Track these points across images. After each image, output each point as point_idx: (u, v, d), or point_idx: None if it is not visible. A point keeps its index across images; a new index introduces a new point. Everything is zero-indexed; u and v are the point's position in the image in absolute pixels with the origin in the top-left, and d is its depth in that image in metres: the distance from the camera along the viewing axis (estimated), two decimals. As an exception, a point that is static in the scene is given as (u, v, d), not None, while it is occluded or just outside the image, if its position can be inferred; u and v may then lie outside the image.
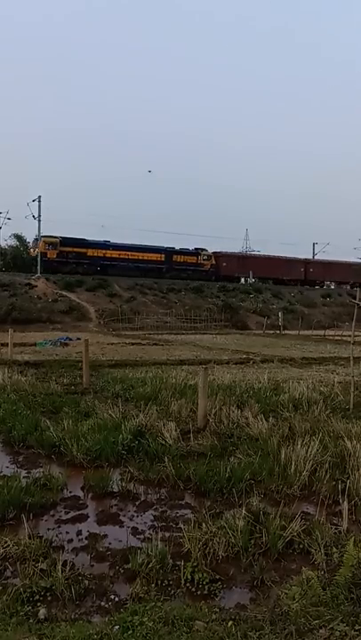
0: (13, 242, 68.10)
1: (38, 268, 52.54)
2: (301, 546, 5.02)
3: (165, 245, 62.29)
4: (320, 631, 3.64)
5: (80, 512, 5.98)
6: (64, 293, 49.43)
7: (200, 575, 4.49)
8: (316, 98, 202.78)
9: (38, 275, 51.79)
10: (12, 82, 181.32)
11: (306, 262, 71.77)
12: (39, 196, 56.43)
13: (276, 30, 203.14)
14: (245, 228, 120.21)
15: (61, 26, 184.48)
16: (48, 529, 5.49)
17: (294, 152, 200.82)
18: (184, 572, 4.52)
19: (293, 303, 59.78)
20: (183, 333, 40.52)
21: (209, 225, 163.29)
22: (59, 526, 5.61)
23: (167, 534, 5.30)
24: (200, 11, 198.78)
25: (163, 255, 61.01)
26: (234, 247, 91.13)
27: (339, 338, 34.25)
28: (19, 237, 67.50)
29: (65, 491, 6.54)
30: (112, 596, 4.28)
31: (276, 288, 63.50)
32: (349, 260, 75.29)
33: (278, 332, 42.84)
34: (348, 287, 69.57)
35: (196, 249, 64.30)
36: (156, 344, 28.75)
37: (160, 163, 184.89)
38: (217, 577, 4.54)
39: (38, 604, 4.12)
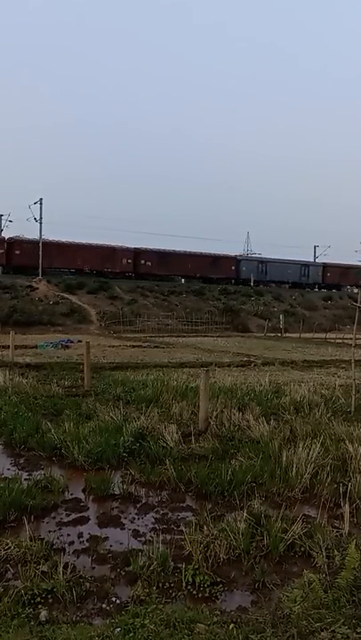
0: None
1: (40, 270, 52.59)
2: (303, 548, 5.02)
3: None
4: (322, 634, 3.63)
5: (81, 514, 5.98)
6: (65, 296, 49.48)
7: (201, 578, 4.49)
8: (319, 104, 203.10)
9: (39, 277, 51.83)
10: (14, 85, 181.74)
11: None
12: (40, 199, 56.51)
13: (281, 36, 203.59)
14: (247, 231, 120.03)
15: (60, 28, 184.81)
16: (49, 531, 5.49)
17: (296, 157, 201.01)
18: (185, 575, 4.51)
19: (294, 306, 59.76)
20: (184, 336, 40.49)
21: (211, 228, 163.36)
22: (60, 528, 5.61)
23: (168, 537, 5.29)
24: (203, 14, 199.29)
25: None
26: (235, 250, 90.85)
27: (340, 340, 34.22)
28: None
29: (66, 493, 6.54)
30: (113, 599, 4.28)
31: (276, 291, 63.49)
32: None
33: (279, 334, 42.78)
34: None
35: None
36: (157, 346, 28.74)
37: (162, 165, 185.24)
38: (218, 580, 4.54)
39: (39, 606, 4.12)
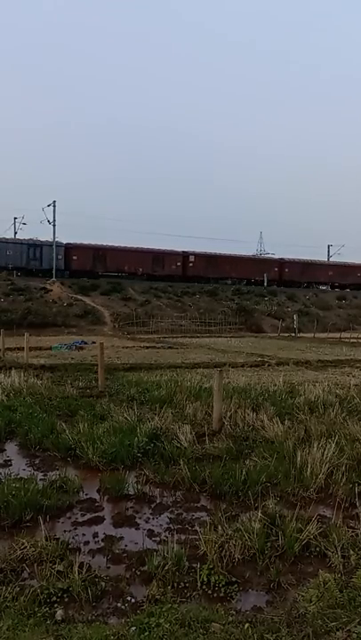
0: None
1: (53, 272, 52.90)
2: (318, 549, 5.00)
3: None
4: (337, 633, 3.62)
5: (96, 514, 6.01)
6: (79, 297, 49.76)
7: (216, 577, 4.49)
8: (329, 103, 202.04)
9: (53, 279, 52.15)
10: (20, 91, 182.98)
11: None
12: (54, 201, 56.75)
13: (286, 36, 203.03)
14: (260, 231, 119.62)
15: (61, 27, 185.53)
16: (64, 531, 5.52)
17: (308, 156, 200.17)
18: (200, 575, 4.52)
19: (308, 306, 59.49)
20: (198, 336, 40.51)
21: (223, 228, 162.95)
22: (75, 528, 5.64)
23: (183, 537, 5.30)
24: (204, 18, 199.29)
25: None
26: (248, 250, 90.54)
27: (355, 340, 34.01)
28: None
29: (81, 493, 6.57)
30: (128, 598, 4.29)
31: (290, 291, 63.27)
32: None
33: (293, 334, 42.63)
34: None
35: None
36: (170, 347, 28.78)
37: (172, 166, 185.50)
38: (233, 579, 4.53)
39: (55, 605, 4.14)
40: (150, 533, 5.51)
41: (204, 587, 4.43)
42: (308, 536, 5.08)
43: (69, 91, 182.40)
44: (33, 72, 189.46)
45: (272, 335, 43.91)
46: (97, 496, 6.57)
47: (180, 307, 52.83)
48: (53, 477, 6.87)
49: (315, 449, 7.12)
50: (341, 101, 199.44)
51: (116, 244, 59.23)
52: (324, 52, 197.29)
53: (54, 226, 55.90)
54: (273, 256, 70.48)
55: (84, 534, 5.49)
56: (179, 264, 61.09)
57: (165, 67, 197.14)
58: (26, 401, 11.34)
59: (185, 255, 62.12)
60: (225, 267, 63.17)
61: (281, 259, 68.89)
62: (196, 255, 62.61)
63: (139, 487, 6.66)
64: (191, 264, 61.74)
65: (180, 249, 62.95)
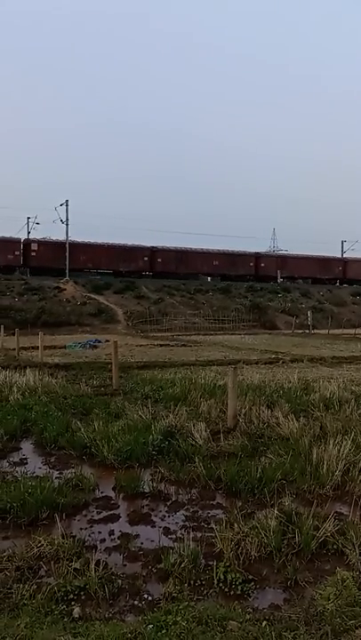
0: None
1: (67, 271, 53.10)
2: (335, 546, 4.96)
3: None
4: (356, 631, 3.59)
5: (112, 512, 6.02)
6: (92, 296, 49.92)
7: (233, 575, 4.47)
8: (338, 102, 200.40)
9: (67, 278, 52.34)
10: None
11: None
12: (66, 201, 56.84)
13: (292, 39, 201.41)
14: (273, 228, 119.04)
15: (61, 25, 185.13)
16: (81, 529, 5.54)
17: (320, 155, 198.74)
18: (217, 572, 4.50)
19: (323, 302, 59.13)
20: (211, 334, 40.44)
21: (237, 226, 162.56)
22: (91, 526, 5.65)
23: (199, 534, 5.29)
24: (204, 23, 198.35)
25: None
26: (261, 247, 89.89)
27: (370, 336, 33.75)
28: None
29: (96, 491, 6.59)
30: (145, 596, 4.29)
31: (304, 287, 62.81)
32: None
33: (307, 331, 42.43)
34: None
35: None
36: (184, 345, 28.78)
37: (184, 164, 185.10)
38: (250, 577, 4.51)
39: (72, 602, 4.15)
40: (166, 531, 5.51)
41: (220, 584, 4.41)
42: (324, 534, 5.04)
43: (71, 92, 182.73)
44: (40, 73, 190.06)
45: (286, 332, 43.73)
46: (112, 494, 6.58)
47: (193, 304, 52.79)
48: (69, 475, 6.90)
49: (331, 446, 7.06)
50: (349, 102, 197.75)
51: None
52: (328, 53, 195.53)
53: (67, 225, 56.08)
54: (144, 244, 59.51)
55: (99, 532, 5.49)
56: (17, 253, 54.22)
57: (178, 72, 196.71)
58: (41, 400, 11.40)
59: (26, 243, 55.58)
60: (79, 256, 55.81)
61: (153, 247, 59.90)
62: (41, 243, 55.71)
63: (154, 485, 6.66)
64: (34, 253, 54.65)
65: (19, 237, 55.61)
